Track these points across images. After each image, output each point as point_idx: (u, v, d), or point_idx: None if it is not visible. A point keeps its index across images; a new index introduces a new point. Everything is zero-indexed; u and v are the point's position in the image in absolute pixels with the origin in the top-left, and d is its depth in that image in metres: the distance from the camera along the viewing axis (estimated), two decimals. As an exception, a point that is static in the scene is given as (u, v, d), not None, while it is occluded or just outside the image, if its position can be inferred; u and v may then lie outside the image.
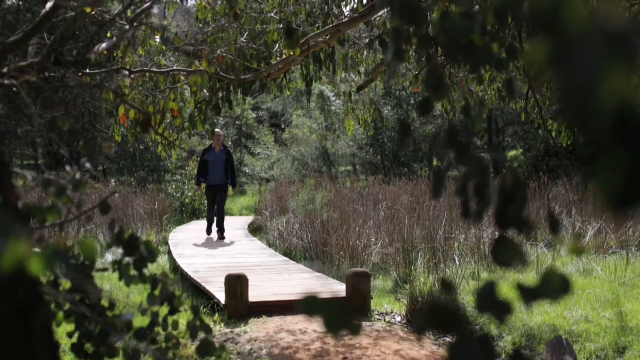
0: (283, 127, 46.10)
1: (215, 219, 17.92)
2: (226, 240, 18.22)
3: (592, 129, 0.87)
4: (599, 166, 0.90)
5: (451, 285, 1.52)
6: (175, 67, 8.61)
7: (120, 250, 3.32)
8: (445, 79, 2.38)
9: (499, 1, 2.55)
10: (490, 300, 1.48)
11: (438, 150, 2.04)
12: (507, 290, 7.85)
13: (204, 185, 17.90)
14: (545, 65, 0.93)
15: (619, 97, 0.85)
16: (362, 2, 9.00)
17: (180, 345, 3.42)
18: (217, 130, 17.38)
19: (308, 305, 1.41)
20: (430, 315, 1.41)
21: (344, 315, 1.40)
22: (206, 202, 18.58)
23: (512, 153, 32.63)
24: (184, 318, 3.62)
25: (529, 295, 1.46)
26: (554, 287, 1.45)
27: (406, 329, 9.07)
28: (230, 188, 17.78)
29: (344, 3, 9.48)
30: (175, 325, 3.43)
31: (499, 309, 1.48)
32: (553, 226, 1.87)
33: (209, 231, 18.27)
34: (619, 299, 10.74)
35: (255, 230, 20.23)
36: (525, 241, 13.94)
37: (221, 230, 17.90)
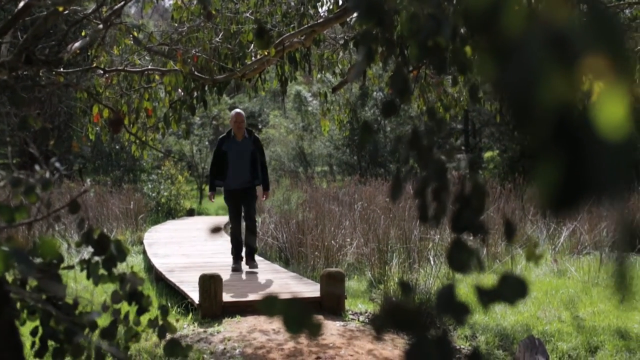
0: (260, 127, 46.05)
1: (243, 237, 12.38)
2: (201, 239, 18.14)
3: (531, 132, 0.89)
4: (537, 168, 0.91)
5: (409, 286, 1.54)
6: (149, 67, 8.59)
7: (90, 249, 3.32)
8: (409, 81, 2.39)
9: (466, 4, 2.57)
10: (448, 302, 1.50)
11: (400, 153, 2.05)
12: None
13: (219, 196, 13.30)
14: (486, 67, 0.94)
15: (558, 99, 0.86)
16: (337, 2, 9.02)
17: (139, 339, 3.42)
18: (237, 110, 12.13)
19: (267, 306, 1.42)
20: (388, 316, 1.42)
21: (303, 316, 1.41)
22: (228, 214, 12.57)
23: (488, 154, 32.75)
24: (145, 316, 3.61)
25: (487, 297, 1.47)
26: (512, 289, 1.47)
27: (386, 329, 9.08)
28: (259, 191, 12.54)
29: (319, 4, 9.49)
30: (137, 321, 3.43)
31: (457, 310, 1.49)
32: (508, 233, 1.88)
33: (236, 258, 12.42)
34: (592, 299, 10.82)
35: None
36: (482, 243, 14.01)
37: (251, 254, 12.40)
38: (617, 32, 0.86)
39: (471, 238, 1.76)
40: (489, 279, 11.39)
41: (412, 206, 14.92)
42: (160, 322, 3.27)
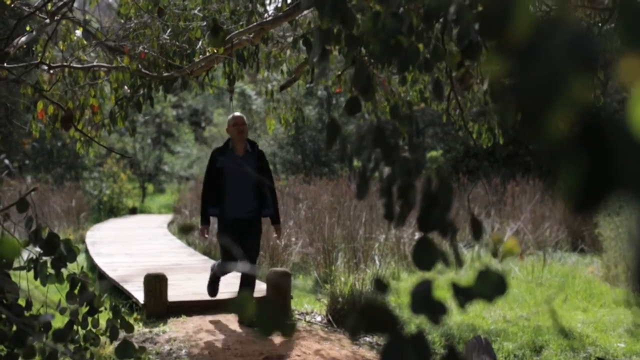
0: (203, 125, 45.82)
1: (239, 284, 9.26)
2: (144, 238, 17.99)
3: (552, 135, 0.87)
4: (560, 170, 0.90)
5: (384, 284, 1.51)
6: (95, 63, 8.49)
7: (37, 249, 3.25)
8: (372, 80, 2.38)
9: (426, 2, 2.55)
10: (425, 301, 1.48)
11: (363, 151, 2.03)
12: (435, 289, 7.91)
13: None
14: (502, 70, 0.93)
15: (579, 103, 0.85)
16: (286, 1, 8.98)
17: (99, 342, 3.36)
18: (237, 114, 9.16)
19: (239, 306, 1.38)
20: (362, 316, 1.40)
21: (276, 316, 1.38)
22: (221, 253, 9.74)
23: (432, 154, 32.93)
24: (103, 318, 3.56)
25: (464, 295, 1.45)
26: (490, 286, 1.45)
27: (326, 329, 9.08)
28: (265, 224, 9.94)
29: (268, 1, 9.46)
30: (95, 323, 3.37)
31: (434, 309, 1.48)
32: (475, 232, 1.87)
33: (212, 289, 9.55)
34: (537, 299, 10.93)
35: (183, 229, 17.20)
36: (451, 241, 14.06)
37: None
38: None
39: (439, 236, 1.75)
40: (436, 278, 11.42)
41: (357, 205, 14.95)
42: (118, 322, 3.21)
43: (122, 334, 3.41)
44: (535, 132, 0.89)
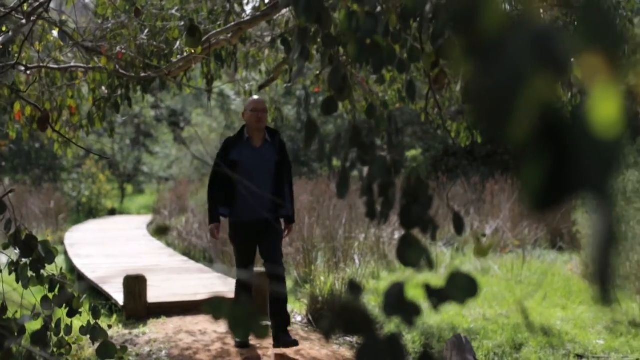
0: (182, 125, 45.70)
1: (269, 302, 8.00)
2: (124, 239, 17.94)
3: (515, 132, 0.87)
4: (520, 169, 0.90)
5: (358, 286, 1.51)
6: (73, 64, 8.45)
7: (16, 251, 3.23)
8: (348, 79, 2.37)
9: (402, 2, 2.56)
10: (398, 302, 1.47)
11: (341, 150, 2.03)
12: (410, 290, 7.91)
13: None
14: (463, 67, 0.93)
15: (543, 99, 0.85)
16: (263, 0, 8.98)
17: (71, 349, 3.34)
18: (256, 97, 8.08)
19: (214, 307, 1.38)
20: (337, 318, 1.40)
21: (251, 318, 1.37)
22: (235, 258, 8.18)
23: (411, 153, 32.99)
24: (82, 320, 3.54)
25: (436, 297, 1.45)
26: (461, 288, 1.45)
27: (306, 329, 9.08)
28: (282, 225, 8.07)
29: (246, 1, 9.45)
30: (68, 330, 3.34)
31: (407, 310, 1.47)
32: (457, 227, 1.88)
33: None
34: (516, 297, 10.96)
35: (158, 230, 16.92)
36: (432, 238, 14.10)
37: (283, 324, 7.82)
38: (613, 27, 0.84)
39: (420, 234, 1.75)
40: (416, 278, 11.46)
41: (336, 205, 14.96)
42: (96, 326, 3.20)
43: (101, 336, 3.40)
44: (498, 132, 0.89)
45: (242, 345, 7.92)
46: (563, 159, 0.87)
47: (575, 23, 0.85)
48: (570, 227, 15.69)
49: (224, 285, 10.72)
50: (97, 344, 3.25)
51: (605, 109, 0.84)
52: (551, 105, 0.85)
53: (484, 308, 10.33)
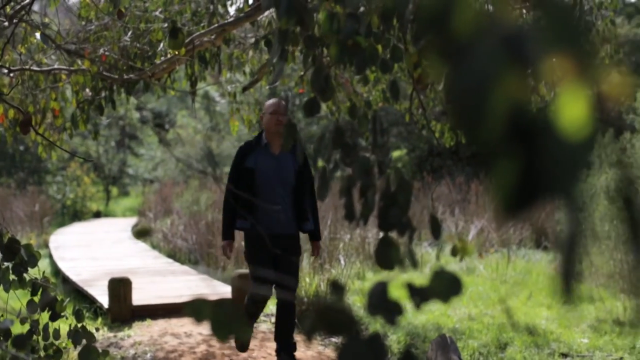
0: (167, 127, 45.61)
1: (275, 324, 7.46)
2: (109, 242, 17.90)
3: (485, 134, 0.87)
4: (491, 171, 0.90)
5: (341, 286, 1.51)
6: (56, 66, 8.43)
7: (-1, 255, 3.22)
8: (331, 80, 2.38)
9: (383, 3, 2.56)
10: (381, 302, 1.48)
11: (323, 151, 2.04)
12: (394, 289, 7.92)
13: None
14: (436, 68, 0.93)
15: (512, 101, 0.85)
16: (247, 1, 8.97)
17: (61, 355, 3.33)
18: (272, 100, 7.29)
19: (195, 309, 1.38)
20: (319, 318, 1.40)
21: (232, 320, 1.37)
22: (250, 276, 7.37)
23: (397, 153, 33.01)
24: (66, 323, 3.53)
25: (420, 296, 1.46)
26: (445, 287, 1.45)
27: (317, 332, 9.07)
28: (307, 243, 8.16)
29: (230, 2, 9.43)
30: (57, 334, 3.33)
31: (390, 310, 1.48)
32: (434, 230, 1.88)
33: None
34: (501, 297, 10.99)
35: (140, 233, 15.74)
36: (409, 241, 14.13)
37: (288, 349, 7.35)
38: (578, 29, 0.85)
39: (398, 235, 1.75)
40: (401, 278, 11.47)
41: (321, 206, 14.95)
42: (79, 329, 3.19)
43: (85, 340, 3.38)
44: (471, 134, 0.89)
45: (242, 348, 7.28)
46: (533, 161, 0.88)
47: (541, 24, 0.86)
48: (554, 226, 15.74)
49: (209, 287, 10.71)
50: (79, 348, 3.24)
51: (572, 110, 0.85)
52: (521, 106, 0.85)
53: (469, 308, 10.35)
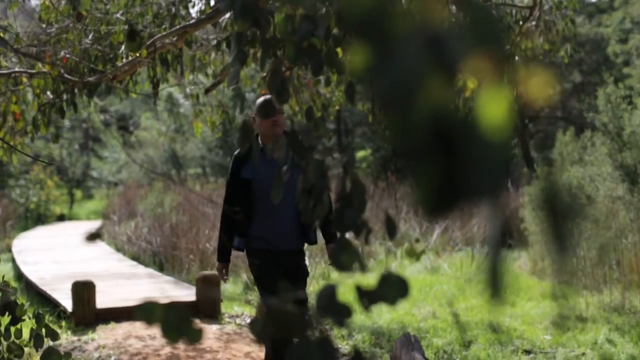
0: (131, 129, 45.38)
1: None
2: (73, 245, 17.79)
3: (409, 136, 0.88)
4: (414, 171, 0.91)
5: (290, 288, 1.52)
6: (16, 69, 8.36)
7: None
8: (287, 82, 2.38)
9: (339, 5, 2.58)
10: (330, 304, 1.48)
11: (280, 153, 2.05)
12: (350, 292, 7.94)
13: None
14: (364, 70, 0.94)
15: (436, 102, 0.87)
16: (209, 3, 8.96)
17: (23, 354, 3.31)
18: (263, 99, 5.39)
19: (145, 312, 1.38)
20: (269, 320, 1.41)
21: (183, 322, 1.38)
22: (260, 295, 6.62)
23: (361, 153, 33.08)
24: (27, 327, 3.51)
25: (368, 298, 1.47)
26: (393, 289, 1.47)
27: (266, 334, 9.07)
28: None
29: (191, 4, 9.41)
30: (18, 334, 3.32)
31: (339, 312, 1.48)
32: (390, 231, 1.89)
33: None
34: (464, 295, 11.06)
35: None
36: (365, 242, 14.19)
37: None
38: (497, 32, 0.86)
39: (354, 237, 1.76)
40: (365, 278, 11.49)
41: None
42: (42, 330, 3.17)
43: (48, 342, 3.37)
44: (394, 134, 0.90)
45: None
46: (454, 162, 0.89)
47: (463, 27, 0.87)
48: (518, 224, 15.85)
49: (174, 290, 10.68)
50: (41, 352, 3.23)
51: (492, 111, 0.86)
52: (443, 108, 0.87)
53: (433, 306, 10.40)
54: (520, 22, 10.40)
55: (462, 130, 0.87)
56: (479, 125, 0.87)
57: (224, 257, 6.41)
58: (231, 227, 6.30)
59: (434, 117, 0.87)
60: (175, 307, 1.38)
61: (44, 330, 3.36)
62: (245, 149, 2.09)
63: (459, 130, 0.88)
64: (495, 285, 0.89)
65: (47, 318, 9.49)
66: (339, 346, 8.42)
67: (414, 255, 1.87)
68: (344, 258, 1.66)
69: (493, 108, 0.87)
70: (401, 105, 0.87)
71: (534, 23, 10.47)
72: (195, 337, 1.36)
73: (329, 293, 1.46)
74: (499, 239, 0.90)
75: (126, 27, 8.35)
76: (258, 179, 6.08)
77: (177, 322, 1.36)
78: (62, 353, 2.97)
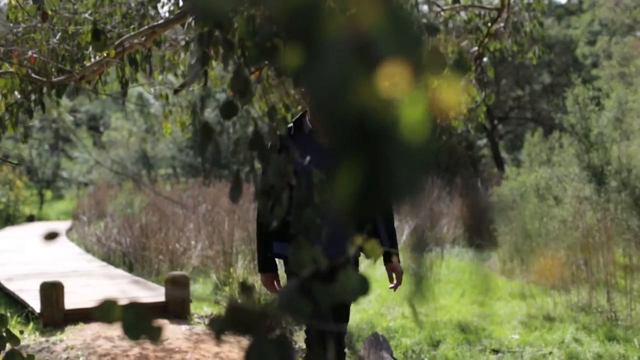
0: (101, 130, 45.18)
1: None
2: (40, 246, 17.70)
3: (334, 135, 0.90)
4: (337, 171, 0.92)
5: (250, 287, 1.54)
6: (-17, 69, 8.32)
7: None
8: (250, 83, 2.40)
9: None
10: (290, 300, 1.50)
11: (242, 153, 2.06)
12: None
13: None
14: (297, 70, 0.96)
15: (360, 103, 0.88)
16: (177, 3, 8.94)
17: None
18: None
19: (105, 312, 1.39)
20: (229, 318, 1.42)
21: (143, 321, 1.39)
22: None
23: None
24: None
25: (328, 295, 1.48)
26: (352, 287, 1.48)
27: (226, 332, 9.07)
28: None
29: (160, 4, 9.39)
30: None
31: (299, 309, 1.50)
32: (349, 231, 1.91)
33: None
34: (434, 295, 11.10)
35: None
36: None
37: None
38: (415, 37, 0.88)
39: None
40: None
41: (255, 207, 14.95)
42: (3, 333, 3.16)
43: (9, 346, 3.36)
44: (323, 134, 0.92)
45: None
46: (378, 163, 0.90)
47: (382, 32, 0.89)
48: (488, 225, 15.95)
49: (143, 290, 10.65)
50: (3, 353, 3.22)
51: (410, 114, 0.88)
52: (366, 110, 0.88)
53: (402, 307, 10.43)
54: (489, 24, 10.48)
55: (383, 132, 0.89)
56: (398, 128, 0.88)
57: (265, 267, 5.50)
58: (267, 228, 5.14)
59: (357, 118, 0.89)
60: (134, 306, 1.40)
61: (6, 330, 3.35)
62: (205, 150, 2.10)
63: (380, 132, 0.89)
64: (420, 282, 0.91)
65: (15, 320, 9.47)
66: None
67: (372, 254, 1.88)
68: (300, 258, 1.68)
69: (410, 112, 0.89)
70: (329, 105, 0.89)
71: (502, 25, 10.55)
72: (155, 335, 1.37)
73: (290, 290, 1.48)
74: (421, 240, 0.92)
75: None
76: (302, 168, 4.35)
77: (137, 320, 1.37)
78: (25, 355, 2.96)
